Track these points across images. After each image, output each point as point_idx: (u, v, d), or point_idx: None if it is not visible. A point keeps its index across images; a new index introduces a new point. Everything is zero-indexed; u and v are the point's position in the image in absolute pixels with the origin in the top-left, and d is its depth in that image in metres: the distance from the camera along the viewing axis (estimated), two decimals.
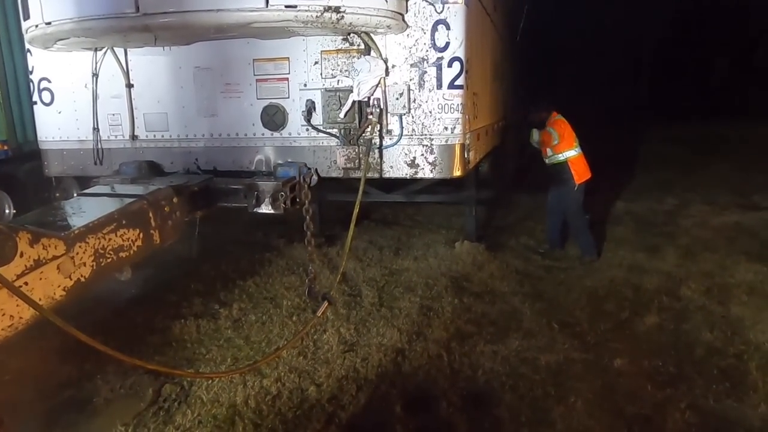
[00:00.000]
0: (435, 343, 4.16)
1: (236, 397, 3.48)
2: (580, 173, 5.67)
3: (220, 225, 8.14)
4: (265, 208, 3.36)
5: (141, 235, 3.09)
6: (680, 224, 7.48)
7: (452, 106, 3.16)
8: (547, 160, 5.76)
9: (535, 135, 5.64)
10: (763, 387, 3.46)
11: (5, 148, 7.43)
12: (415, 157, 3.27)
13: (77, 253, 2.61)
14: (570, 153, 5.62)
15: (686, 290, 5.05)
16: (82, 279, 2.65)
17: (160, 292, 5.43)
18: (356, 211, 3.43)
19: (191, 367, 3.92)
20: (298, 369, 3.84)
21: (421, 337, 4.27)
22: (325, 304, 3.46)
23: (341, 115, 3.28)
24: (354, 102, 3.22)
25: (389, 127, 3.30)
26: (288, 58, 3.48)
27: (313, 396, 3.49)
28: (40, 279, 2.39)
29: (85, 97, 4.18)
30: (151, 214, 3.18)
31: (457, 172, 3.21)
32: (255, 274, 5.83)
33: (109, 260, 2.85)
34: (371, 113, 3.23)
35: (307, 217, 3.55)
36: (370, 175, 3.38)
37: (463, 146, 3.21)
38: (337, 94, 3.30)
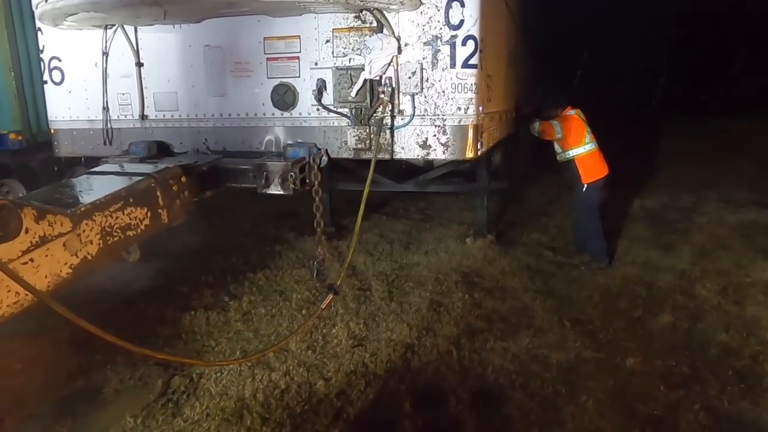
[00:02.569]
0: (445, 339, 4.13)
1: (245, 391, 3.48)
2: (589, 172, 5.51)
3: (231, 216, 8.18)
4: (274, 189, 3.30)
5: (148, 213, 3.06)
6: (696, 221, 7.37)
7: (466, 85, 3.08)
8: (558, 157, 5.67)
9: (536, 125, 5.54)
10: None
11: (20, 138, 7.48)
12: (427, 138, 3.18)
13: (83, 231, 2.58)
14: (578, 150, 5.47)
15: (701, 289, 4.96)
16: (89, 257, 2.62)
17: (171, 283, 5.45)
18: (366, 191, 3.36)
19: (202, 359, 3.93)
20: (307, 363, 3.83)
21: (431, 333, 4.24)
22: (330, 296, 3.42)
23: (352, 94, 3.20)
24: (365, 81, 3.15)
25: (401, 107, 3.22)
26: (299, 36, 3.42)
27: (321, 390, 3.48)
28: (46, 256, 2.37)
29: (95, 76, 4.15)
30: (159, 193, 3.14)
31: (470, 154, 3.12)
32: (265, 266, 5.82)
33: (116, 238, 2.82)
34: (383, 92, 3.15)
35: (317, 198, 3.49)
36: (381, 156, 3.31)
37: (476, 127, 3.12)
38: (349, 72, 3.22)
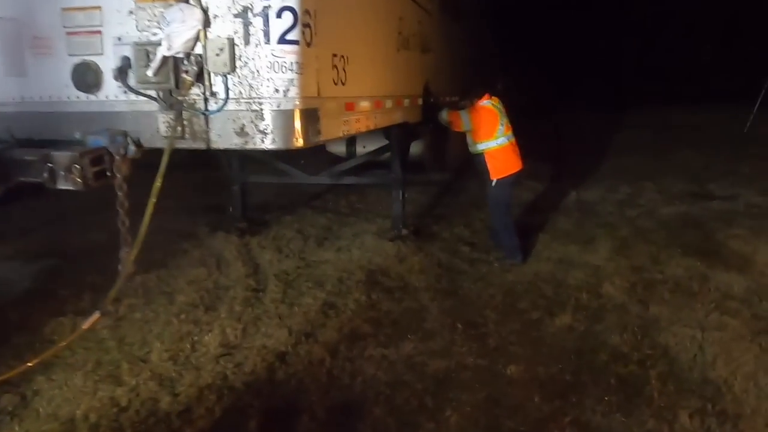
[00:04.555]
0: (322, 346, 3.83)
1: (78, 410, 3.13)
2: (498, 168, 5.20)
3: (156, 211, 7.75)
4: (62, 184, 2.87)
5: None
6: (626, 214, 7.18)
7: (284, 64, 2.69)
8: (469, 149, 5.38)
9: (444, 114, 5.23)
10: (659, 398, 3.16)
11: None
12: (244, 125, 2.78)
13: None
14: (488, 144, 5.17)
15: (609, 287, 4.74)
16: None
17: (54, 285, 5.05)
18: (157, 184, 2.97)
19: (47, 372, 3.54)
20: (162, 376, 3.49)
21: (311, 339, 3.94)
22: (95, 316, 3.04)
23: (149, 74, 2.81)
24: (164, 58, 2.76)
25: (214, 89, 2.86)
26: (100, 7, 2.98)
27: (164, 408, 3.15)
28: None
29: None
30: None
31: (298, 143, 2.75)
32: (163, 265, 5.44)
33: None
34: (186, 71, 2.78)
35: (120, 193, 3.08)
36: (196, 145, 2.94)
37: (306, 112, 2.75)
38: (145, 49, 2.83)
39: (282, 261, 5.59)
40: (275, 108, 2.68)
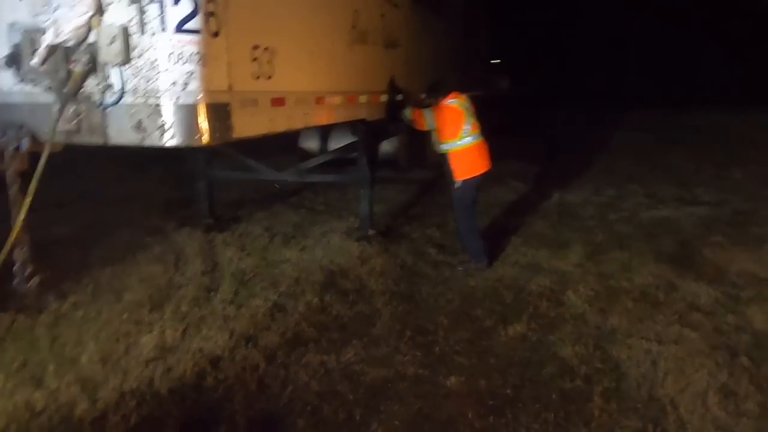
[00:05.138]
0: (260, 351, 3.68)
1: None
2: (462, 169, 5.00)
3: (121, 203, 7.65)
4: None
5: None
6: (606, 218, 6.99)
7: (183, 55, 2.53)
8: (435, 149, 5.20)
9: (407, 112, 5.05)
10: (599, 417, 3.00)
11: None
12: (141, 120, 2.64)
13: None
14: (453, 144, 4.98)
15: (571, 295, 4.56)
16: None
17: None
18: (33, 185, 2.78)
19: None
20: (88, 379, 3.34)
21: (251, 343, 3.79)
22: None
23: (35, 62, 2.64)
24: (52, 46, 2.59)
25: (109, 81, 2.69)
26: None
27: (78, 415, 3.00)
28: None
29: None
30: None
31: (203, 140, 2.57)
32: (120, 261, 5.31)
33: None
34: (74, 61, 2.61)
35: (13, 188, 2.88)
36: (93, 140, 2.78)
37: (211, 107, 2.58)
38: (29, 36, 2.66)
39: (242, 259, 5.44)
40: (174, 102, 2.51)
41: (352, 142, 5.80)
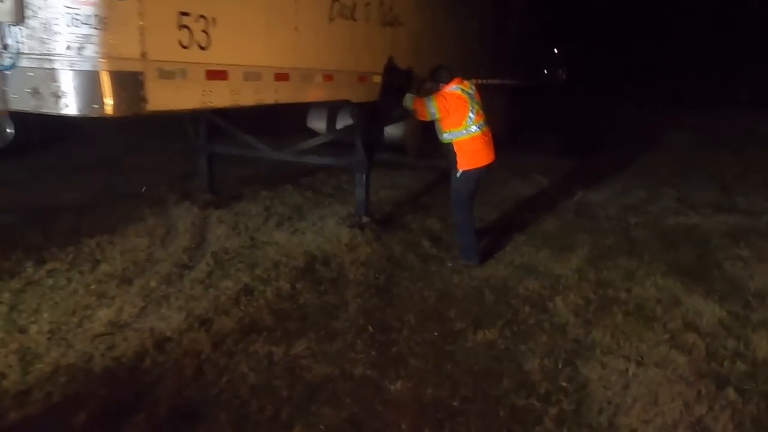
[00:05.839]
0: (210, 336, 3.54)
1: None
2: (465, 160, 4.70)
3: (138, 172, 7.69)
4: None
5: None
6: (627, 221, 6.52)
7: (78, 17, 2.33)
8: (439, 138, 4.88)
9: (408, 100, 4.74)
10: None
11: None
12: (38, 86, 2.48)
13: None
14: (457, 134, 4.66)
15: (560, 302, 4.23)
16: None
17: None
18: None
19: None
20: (29, 350, 3.29)
21: (204, 326, 3.66)
22: None
23: None
24: None
25: (5, 42, 2.52)
26: None
27: (4, 387, 2.94)
28: None
29: None
30: None
31: (106, 110, 2.38)
32: (111, 231, 5.30)
33: None
34: None
35: None
36: None
37: (115, 75, 2.39)
38: None
39: (230, 238, 5.34)
40: (69, 68, 2.35)
41: (349, 125, 5.56)
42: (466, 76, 4.91)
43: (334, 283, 4.43)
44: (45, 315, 3.70)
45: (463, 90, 4.76)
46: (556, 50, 17.63)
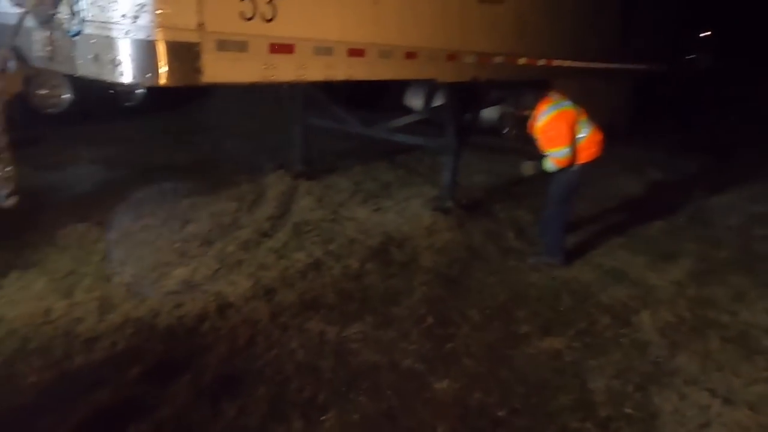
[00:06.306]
0: (271, 306, 3.61)
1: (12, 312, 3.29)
2: (584, 152, 4.28)
3: (243, 142, 8.02)
4: None
5: None
6: (748, 232, 5.74)
7: None
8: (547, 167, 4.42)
9: (547, 163, 4.29)
10: None
11: None
12: (98, 53, 2.48)
13: None
14: (569, 149, 4.19)
15: (646, 317, 3.81)
16: None
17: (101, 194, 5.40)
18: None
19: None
20: (110, 298, 3.54)
21: (268, 296, 3.74)
22: None
23: None
24: None
25: (75, 8, 2.52)
26: None
27: (78, 331, 3.18)
28: None
29: None
30: None
31: (161, 80, 2.37)
32: (205, 193, 5.58)
33: None
34: None
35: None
36: (65, 69, 2.71)
37: (171, 45, 2.38)
38: None
39: (313, 211, 5.40)
40: (125, 36, 2.37)
41: (439, 105, 5.36)
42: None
43: (403, 267, 4.32)
44: (129, 267, 3.96)
45: (556, 103, 4.29)
46: (702, 35, 15.90)
